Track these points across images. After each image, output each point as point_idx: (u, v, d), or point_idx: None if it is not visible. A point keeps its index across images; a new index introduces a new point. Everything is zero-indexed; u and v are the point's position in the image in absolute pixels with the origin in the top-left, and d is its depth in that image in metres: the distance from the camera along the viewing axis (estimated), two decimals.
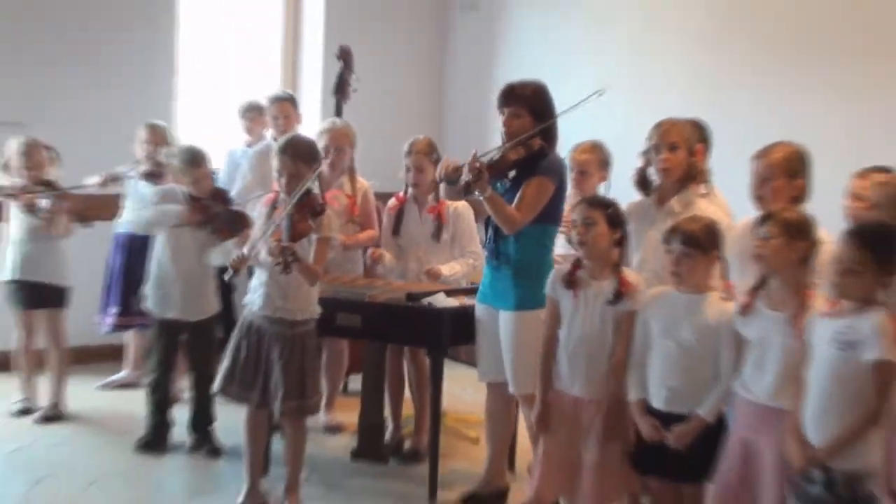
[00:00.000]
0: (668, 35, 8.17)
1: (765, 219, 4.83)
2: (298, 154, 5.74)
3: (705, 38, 7.91)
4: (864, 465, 4.34)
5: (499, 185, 5.84)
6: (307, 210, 5.63)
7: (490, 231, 5.93)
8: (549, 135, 5.86)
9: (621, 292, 5.11)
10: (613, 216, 5.18)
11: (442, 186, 6.15)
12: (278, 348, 5.74)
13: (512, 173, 5.83)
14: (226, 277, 5.75)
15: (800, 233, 4.70)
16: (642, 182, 5.77)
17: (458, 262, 6.76)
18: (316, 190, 5.88)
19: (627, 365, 5.11)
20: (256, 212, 6.08)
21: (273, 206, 5.78)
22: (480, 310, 6.04)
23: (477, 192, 5.67)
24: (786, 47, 7.43)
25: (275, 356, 5.74)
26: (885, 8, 6.87)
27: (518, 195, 5.73)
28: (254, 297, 5.81)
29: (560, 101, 5.86)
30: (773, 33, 7.49)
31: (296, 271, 5.51)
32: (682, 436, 4.90)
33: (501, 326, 5.86)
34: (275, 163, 5.80)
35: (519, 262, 5.78)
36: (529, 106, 5.80)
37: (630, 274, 5.21)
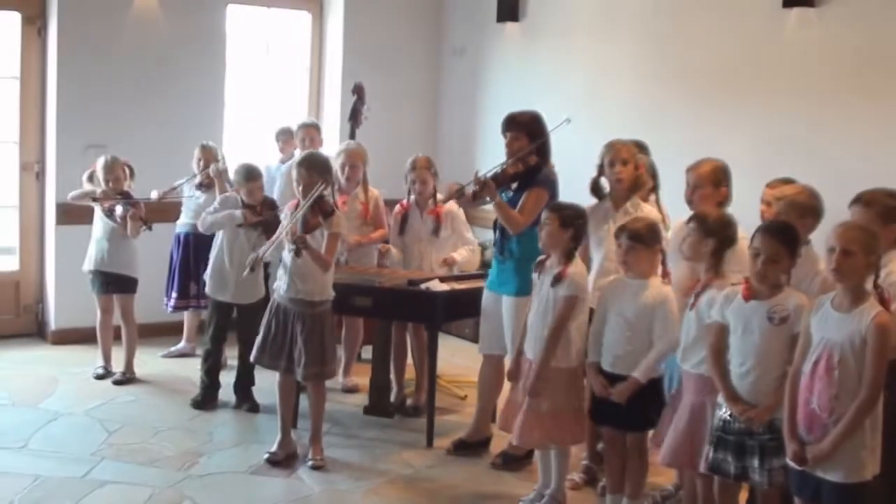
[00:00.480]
0: (617, 76, 8.18)
1: (690, 219, 4.89)
2: (312, 167, 5.80)
3: (645, 78, 7.92)
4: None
5: (503, 194, 5.90)
6: (318, 210, 5.71)
7: (497, 232, 6.00)
8: (544, 153, 5.94)
9: (558, 277, 5.16)
10: (566, 218, 5.21)
11: (452, 202, 6.29)
12: (301, 324, 5.79)
13: (514, 185, 5.91)
14: (244, 274, 5.88)
15: (712, 229, 4.76)
16: (595, 189, 5.86)
17: (465, 250, 6.85)
18: (328, 196, 5.91)
19: (560, 337, 5.18)
20: (283, 216, 6.11)
21: (295, 210, 5.81)
22: (487, 296, 6.08)
23: (487, 199, 5.81)
24: (708, 85, 7.45)
25: (298, 331, 5.79)
26: (782, 54, 6.92)
27: (520, 202, 5.83)
28: (280, 282, 5.85)
29: None
30: (698, 74, 7.52)
31: (307, 257, 5.59)
32: (622, 392, 4.98)
33: (504, 308, 5.90)
34: (294, 175, 5.87)
35: (520, 256, 5.82)
36: (527, 130, 5.91)
37: (574, 264, 5.23)
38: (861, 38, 6.47)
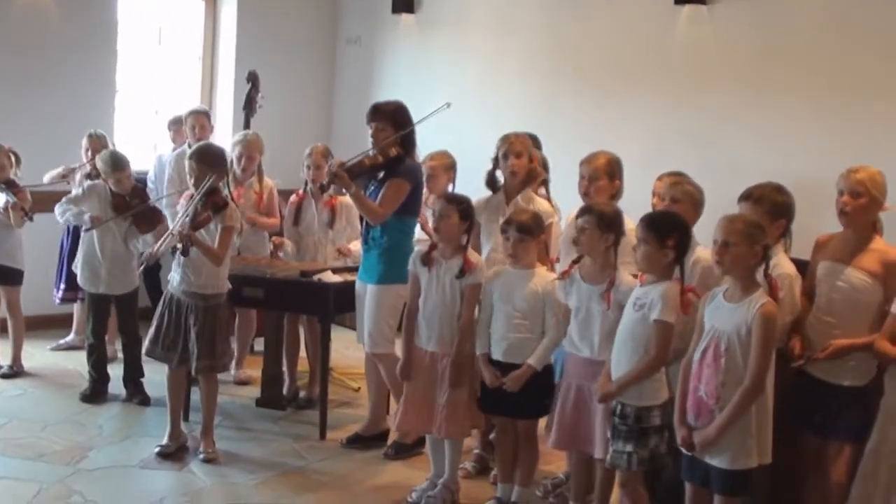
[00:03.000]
0: (510, 67, 8.24)
1: (582, 211, 4.93)
2: (203, 159, 5.72)
3: (540, 72, 8.00)
4: (650, 402, 4.48)
5: (372, 185, 5.88)
6: (210, 204, 5.61)
7: (362, 222, 5.99)
8: (408, 144, 5.91)
9: (465, 269, 5.18)
10: (464, 210, 5.24)
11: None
12: (194, 317, 5.71)
13: (381, 175, 5.86)
14: (139, 268, 5.82)
15: (611, 223, 4.82)
16: (491, 182, 5.87)
17: (358, 242, 6.70)
18: (222, 188, 5.85)
19: (473, 326, 5.20)
20: (179, 206, 6.01)
21: (188, 203, 5.72)
22: (358, 285, 6.06)
23: (344, 190, 5.83)
24: (601, 79, 7.56)
25: (191, 323, 5.71)
26: (674, 50, 7.03)
27: (381, 193, 5.79)
28: (174, 275, 5.77)
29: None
30: (591, 69, 7.62)
31: (198, 253, 5.52)
32: (516, 380, 5.02)
33: (367, 296, 5.90)
34: (186, 167, 5.79)
35: (384, 246, 5.82)
36: (392, 120, 5.86)
37: (473, 255, 5.29)
38: (751, 34, 6.61)
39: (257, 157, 7.04)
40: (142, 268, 5.78)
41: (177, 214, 5.86)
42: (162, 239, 5.78)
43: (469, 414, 5.28)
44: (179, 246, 5.47)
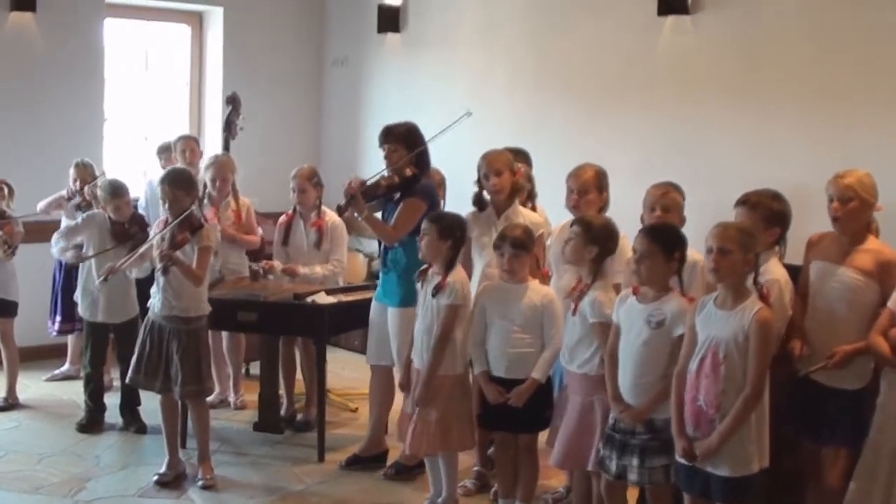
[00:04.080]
0: (497, 82, 8.26)
1: (573, 222, 4.97)
2: (175, 183, 5.74)
3: (527, 87, 8.01)
4: (667, 413, 4.46)
5: (390, 205, 5.91)
6: (187, 226, 5.62)
7: (381, 243, 6.01)
8: (422, 163, 5.92)
9: (438, 287, 5.17)
10: (443, 229, 5.21)
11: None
12: (176, 342, 5.70)
13: (397, 195, 5.87)
14: (96, 283, 5.90)
15: (597, 236, 4.84)
16: (479, 202, 5.87)
17: (320, 266, 6.76)
18: (196, 211, 5.87)
19: (448, 345, 5.18)
20: (153, 232, 6.01)
21: (164, 227, 5.72)
22: (374, 307, 6.03)
23: (355, 214, 5.80)
24: (588, 93, 7.56)
25: (174, 349, 5.70)
26: (659, 61, 7.06)
27: (395, 214, 5.81)
28: (154, 300, 5.76)
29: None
30: (577, 83, 7.63)
31: (178, 273, 5.54)
32: (521, 395, 5.02)
33: (389, 319, 5.88)
34: (159, 192, 5.82)
35: (403, 267, 5.80)
36: (404, 141, 5.88)
37: (455, 273, 5.23)
38: (735, 43, 6.62)
39: (230, 177, 7.06)
40: (98, 282, 5.79)
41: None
42: (127, 256, 5.81)
43: (441, 434, 5.21)
44: (161, 265, 5.50)
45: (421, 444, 5.24)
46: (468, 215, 5.70)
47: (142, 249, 5.68)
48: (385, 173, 5.89)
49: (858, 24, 5.99)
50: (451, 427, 5.22)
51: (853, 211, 4.56)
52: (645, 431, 4.51)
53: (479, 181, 5.81)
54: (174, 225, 5.59)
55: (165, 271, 5.51)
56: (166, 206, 5.71)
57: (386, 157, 5.92)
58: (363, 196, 5.76)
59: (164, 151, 8.16)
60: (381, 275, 6.04)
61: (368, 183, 5.83)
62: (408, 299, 5.70)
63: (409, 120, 6.05)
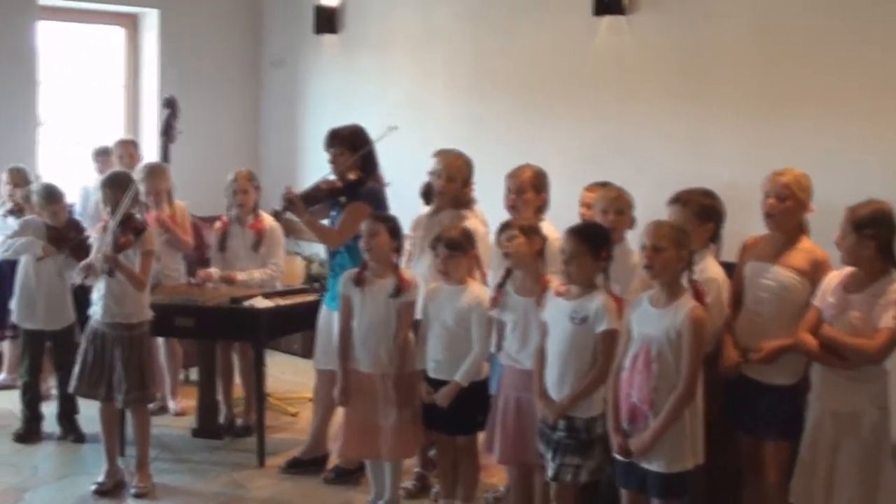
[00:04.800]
0: (435, 84, 8.30)
1: (507, 225, 5.00)
2: (116, 186, 5.69)
3: (465, 88, 8.06)
4: (597, 412, 4.54)
5: (337, 209, 5.90)
6: (129, 229, 5.59)
7: (328, 249, 6.00)
8: (368, 166, 5.90)
9: (400, 287, 5.19)
10: (392, 228, 5.25)
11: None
12: (119, 349, 5.65)
13: (343, 199, 5.85)
14: (76, 283, 5.81)
15: (534, 233, 4.87)
16: (426, 194, 5.92)
17: (257, 271, 6.72)
18: (137, 213, 5.84)
19: (411, 344, 5.23)
20: (92, 237, 5.98)
21: (104, 231, 5.67)
22: (324, 311, 5.99)
23: (296, 218, 5.78)
24: (526, 93, 7.62)
25: (117, 356, 5.65)
26: (596, 62, 7.13)
27: (340, 217, 5.81)
28: (96, 307, 5.71)
29: None
30: (516, 83, 7.69)
31: (121, 276, 5.50)
32: (445, 396, 5.06)
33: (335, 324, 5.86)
34: (99, 196, 5.76)
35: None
36: (349, 144, 5.85)
37: (407, 272, 5.30)
38: (671, 43, 6.70)
39: (163, 185, 6.96)
40: (80, 282, 5.74)
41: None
42: (81, 265, 5.72)
43: (414, 435, 5.29)
44: (106, 268, 5.46)
45: (405, 447, 5.30)
46: (418, 217, 5.75)
47: (100, 247, 5.57)
48: (329, 177, 5.88)
49: (795, 25, 6.08)
50: (419, 426, 5.29)
51: (787, 209, 4.63)
52: (563, 428, 4.59)
53: (430, 174, 5.82)
54: (116, 228, 5.54)
55: (110, 274, 5.48)
56: (107, 209, 5.66)
57: (331, 162, 5.89)
58: (304, 201, 5.75)
59: (101, 154, 8.12)
60: (329, 279, 6.02)
61: (309, 187, 5.82)
62: None
63: (353, 122, 6.03)
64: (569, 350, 4.56)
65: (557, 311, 4.63)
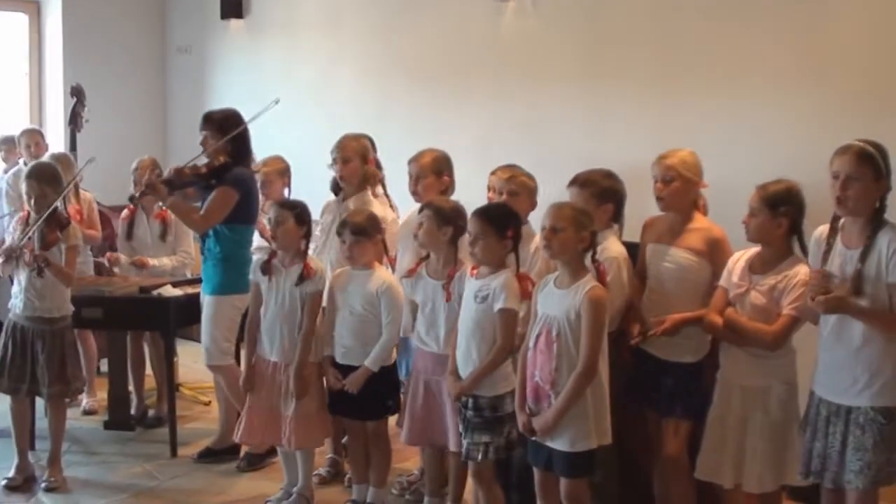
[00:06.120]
0: (343, 68, 8.31)
1: (422, 207, 5.06)
2: (42, 178, 5.62)
3: (372, 72, 8.07)
4: (504, 390, 4.60)
5: (207, 193, 5.83)
6: (55, 224, 5.53)
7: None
8: (238, 151, 5.86)
9: (304, 276, 5.20)
10: (299, 215, 5.25)
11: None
12: (41, 343, 5.60)
13: (213, 183, 5.80)
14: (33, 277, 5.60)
15: (449, 217, 4.92)
16: (335, 188, 5.93)
17: (168, 258, 6.76)
18: (61, 207, 5.78)
19: (316, 334, 5.24)
20: (10, 229, 5.90)
21: (26, 224, 5.61)
22: (202, 297, 6.01)
23: (158, 203, 5.90)
24: (433, 77, 7.65)
25: (38, 350, 5.60)
26: (503, 45, 7.18)
27: (206, 202, 5.78)
28: (16, 301, 5.64)
29: (260, 123, 5.94)
30: (423, 67, 7.71)
31: (50, 274, 5.44)
32: (355, 382, 5.09)
33: (203, 308, 5.90)
34: (24, 187, 5.67)
35: (218, 256, 5.80)
36: (219, 128, 5.82)
37: (313, 261, 5.30)
38: (577, 25, 6.75)
39: (70, 175, 6.88)
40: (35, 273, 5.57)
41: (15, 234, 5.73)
42: (6, 253, 5.62)
43: (319, 424, 5.32)
44: (34, 267, 5.39)
45: (306, 438, 5.28)
46: (326, 202, 5.76)
47: (23, 244, 5.48)
48: (200, 161, 5.85)
49: (693, 7, 6.16)
50: (325, 415, 5.31)
51: (676, 190, 4.69)
52: (471, 407, 4.65)
53: (331, 166, 5.86)
54: (42, 223, 5.47)
55: (40, 273, 5.39)
56: (31, 202, 5.57)
57: (201, 144, 5.88)
58: (168, 184, 5.71)
59: (6, 143, 8.03)
60: (202, 264, 6.03)
61: (171, 170, 5.80)
62: (221, 288, 5.78)
63: (231, 107, 6.04)
64: (473, 328, 4.63)
65: (468, 291, 4.71)
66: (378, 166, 6.11)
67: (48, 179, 5.63)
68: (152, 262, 6.69)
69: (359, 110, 7.89)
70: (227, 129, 5.82)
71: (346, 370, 5.14)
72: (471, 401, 4.65)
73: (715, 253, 4.64)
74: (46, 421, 5.86)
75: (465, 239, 4.93)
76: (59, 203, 5.67)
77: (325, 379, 5.29)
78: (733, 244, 4.66)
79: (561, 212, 4.32)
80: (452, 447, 4.92)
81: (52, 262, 5.44)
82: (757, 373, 4.40)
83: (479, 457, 4.63)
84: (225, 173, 5.77)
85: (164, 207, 6.53)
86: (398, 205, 6.18)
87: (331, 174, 5.92)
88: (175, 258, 6.75)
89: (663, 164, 4.70)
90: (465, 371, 4.67)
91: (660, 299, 4.73)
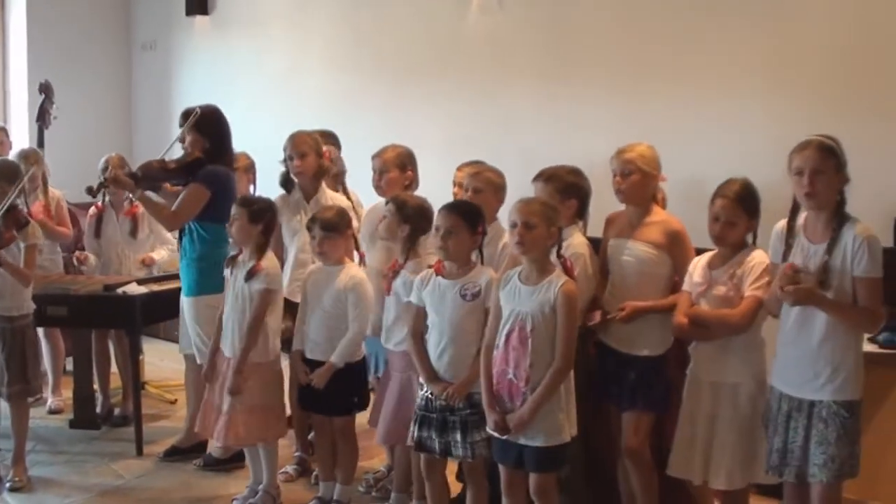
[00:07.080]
0: (309, 63, 8.31)
1: (388, 200, 5.07)
2: (1, 176, 5.58)
3: (339, 68, 8.09)
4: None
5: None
6: (12, 222, 5.47)
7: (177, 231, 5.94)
8: (215, 149, 5.80)
9: (252, 272, 5.18)
10: (254, 212, 5.21)
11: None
12: (1, 342, 5.56)
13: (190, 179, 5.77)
14: None
15: (408, 216, 4.94)
16: (285, 183, 5.93)
17: (164, 250, 6.79)
18: (21, 205, 5.72)
19: (261, 331, 5.21)
20: None
21: None
22: (181, 297, 5.96)
23: (129, 195, 5.95)
24: (400, 73, 7.70)
25: None
26: (469, 41, 7.21)
27: (178, 199, 5.75)
28: None
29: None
30: (390, 63, 7.76)
31: (5, 273, 5.38)
32: (321, 377, 5.09)
33: (184, 309, 5.86)
34: None
35: (192, 256, 5.76)
36: (195, 124, 5.76)
37: (267, 259, 5.24)
38: (541, 23, 6.80)
39: (37, 171, 6.81)
40: None
41: None
42: None
43: (262, 422, 5.25)
44: None
45: (235, 435, 5.24)
46: (277, 199, 5.72)
47: None
48: (171, 157, 5.82)
49: (658, 5, 6.20)
50: (265, 416, 5.26)
51: (634, 183, 4.71)
52: (465, 407, 4.58)
53: (284, 161, 5.85)
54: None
55: None
56: None
57: (179, 140, 5.86)
58: (136, 178, 5.67)
59: None
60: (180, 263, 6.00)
61: (141, 165, 5.78)
62: (196, 288, 5.72)
63: (212, 103, 5.98)
64: (465, 327, 4.58)
65: (439, 291, 4.65)
66: (335, 162, 6.12)
67: (7, 176, 5.60)
68: (156, 257, 6.73)
69: (325, 105, 7.90)
70: (202, 125, 5.77)
71: (314, 365, 5.13)
72: (464, 401, 4.59)
73: (674, 245, 4.67)
74: (9, 421, 5.83)
75: (430, 235, 4.96)
76: (18, 201, 5.62)
77: (295, 374, 5.29)
78: (693, 237, 4.69)
79: (531, 208, 4.32)
80: (409, 442, 4.85)
81: (6, 262, 5.39)
82: (728, 368, 4.42)
83: (486, 452, 4.57)
84: (198, 170, 5.74)
85: (134, 203, 6.52)
86: (363, 200, 6.16)
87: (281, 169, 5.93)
88: (165, 249, 6.80)
89: (622, 158, 4.73)
90: (452, 372, 4.60)
91: (621, 293, 4.74)
